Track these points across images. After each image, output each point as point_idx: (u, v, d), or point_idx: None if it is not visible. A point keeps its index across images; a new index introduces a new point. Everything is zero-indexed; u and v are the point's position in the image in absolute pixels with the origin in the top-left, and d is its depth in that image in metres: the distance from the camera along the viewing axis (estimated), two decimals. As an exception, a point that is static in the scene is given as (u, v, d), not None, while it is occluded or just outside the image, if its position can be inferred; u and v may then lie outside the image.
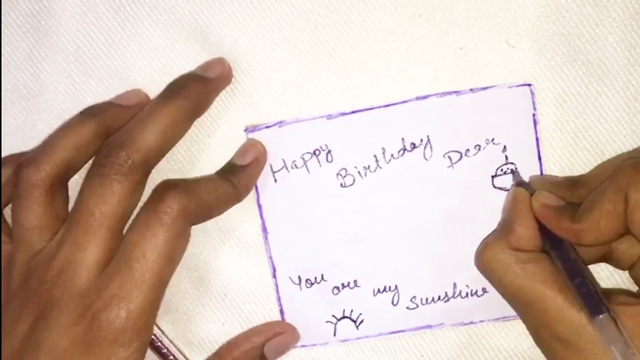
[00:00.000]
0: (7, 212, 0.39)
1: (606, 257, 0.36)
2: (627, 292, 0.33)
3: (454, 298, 0.38)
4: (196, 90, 0.37)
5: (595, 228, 0.32)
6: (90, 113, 0.38)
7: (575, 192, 0.35)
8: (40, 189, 0.36)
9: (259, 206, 0.39)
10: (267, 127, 0.39)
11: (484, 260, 0.35)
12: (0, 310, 0.36)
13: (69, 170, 0.37)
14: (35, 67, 0.40)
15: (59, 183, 0.37)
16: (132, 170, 0.35)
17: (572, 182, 0.36)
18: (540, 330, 0.33)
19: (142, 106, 0.38)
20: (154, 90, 0.39)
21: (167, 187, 0.35)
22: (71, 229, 0.35)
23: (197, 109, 0.38)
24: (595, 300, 0.31)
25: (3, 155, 0.40)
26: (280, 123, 0.39)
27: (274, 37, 0.39)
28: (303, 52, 0.39)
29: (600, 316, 0.30)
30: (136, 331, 0.34)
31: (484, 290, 0.38)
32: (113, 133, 0.37)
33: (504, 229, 0.35)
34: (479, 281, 0.36)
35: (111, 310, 0.34)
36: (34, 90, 0.40)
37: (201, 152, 0.40)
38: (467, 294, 0.38)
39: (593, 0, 0.37)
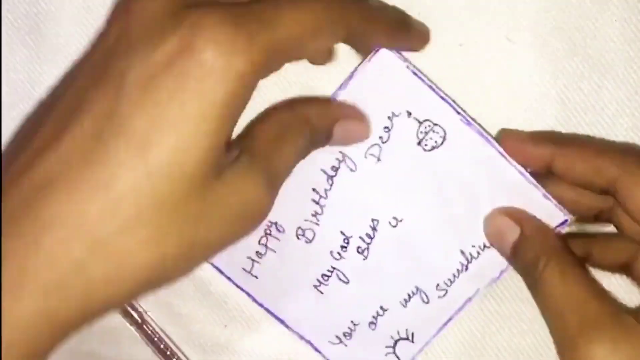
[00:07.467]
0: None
1: (625, 270, 0.36)
2: None
3: (470, 263, 0.37)
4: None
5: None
6: None
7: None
8: None
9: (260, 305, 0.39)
10: None
11: None
12: None
13: None
14: (34, 69, 0.40)
15: None
16: None
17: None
18: None
19: None
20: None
21: None
22: None
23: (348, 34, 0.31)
24: None
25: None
26: None
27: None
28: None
29: None
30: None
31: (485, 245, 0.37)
32: None
33: None
34: (479, 236, 0.36)
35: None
36: (33, 92, 0.40)
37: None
38: (477, 253, 0.37)
39: (592, -5, 0.37)
